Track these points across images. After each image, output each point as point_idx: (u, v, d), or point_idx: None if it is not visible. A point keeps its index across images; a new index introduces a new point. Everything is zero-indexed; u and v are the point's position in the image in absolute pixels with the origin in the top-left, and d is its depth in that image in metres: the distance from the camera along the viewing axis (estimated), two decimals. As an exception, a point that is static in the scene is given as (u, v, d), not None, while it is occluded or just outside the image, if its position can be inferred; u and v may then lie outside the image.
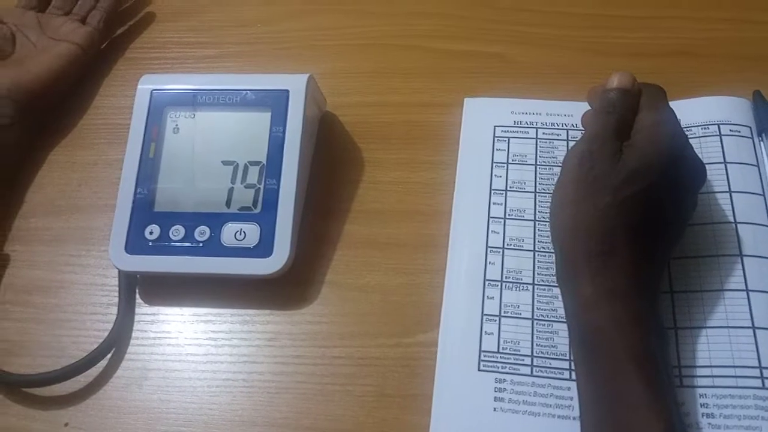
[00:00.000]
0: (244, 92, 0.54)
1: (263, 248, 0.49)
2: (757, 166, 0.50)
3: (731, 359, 0.43)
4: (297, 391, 0.47)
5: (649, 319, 0.41)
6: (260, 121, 0.52)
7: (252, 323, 0.50)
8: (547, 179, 0.53)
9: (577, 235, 0.42)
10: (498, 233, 0.50)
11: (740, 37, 0.59)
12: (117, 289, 0.51)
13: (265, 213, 0.50)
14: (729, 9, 0.61)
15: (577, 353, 0.42)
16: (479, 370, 0.45)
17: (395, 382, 0.47)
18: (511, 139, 0.55)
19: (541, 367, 0.45)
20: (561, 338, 0.46)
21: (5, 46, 0.63)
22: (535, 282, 0.48)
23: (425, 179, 0.55)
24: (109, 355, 0.49)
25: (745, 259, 0.46)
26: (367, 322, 0.49)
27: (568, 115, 0.55)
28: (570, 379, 0.44)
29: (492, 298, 0.48)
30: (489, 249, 0.50)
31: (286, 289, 0.51)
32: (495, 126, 0.56)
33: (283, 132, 0.52)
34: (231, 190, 0.51)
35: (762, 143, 0.51)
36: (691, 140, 0.46)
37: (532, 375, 0.45)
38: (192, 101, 0.54)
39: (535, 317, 0.47)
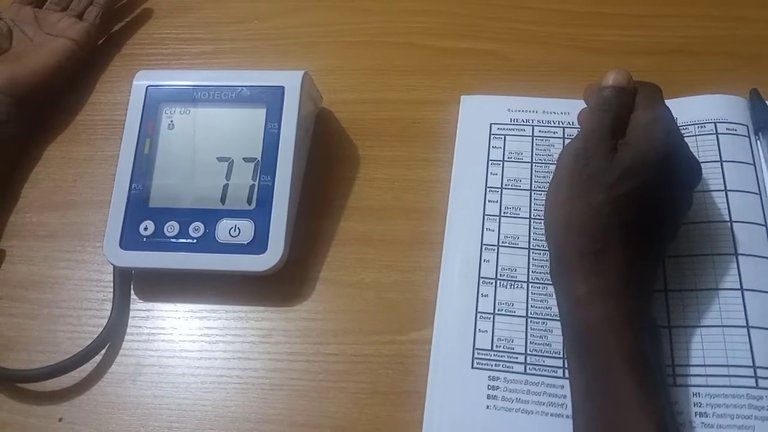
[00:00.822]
0: (240, 88, 0.53)
1: (258, 245, 0.49)
2: (753, 164, 0.50)
3: (725, 358, 0.43)
4: (291, 388, 0.47)
5: (643, 318, 0.41)
6: (255, 117, 0.52)
7: (246, 320, 0.50)
8: (543, 177, 0.52)
9: (570, 233, 0.42)
10: (493, 231, 0.50)
11: (737, 35, 0.59)
12: (112, 284, 0.51)
13: (259, 209, 0.50)
14: (726, 7, 0.61)
15: (569, 351, 0.42)
16: (473, 367, 0.45)
17: (389, 379, 0.47)
18: (507, 137, 0.55)
19: (534, 365, 0.45)
20: (555, 336, 0.46)
21: (2, 41, 0.63)
22: (530, 280, 0.48)
23: (421, 176, 0.55)
24: (103, 351, 0.50)
25: (740, 258, 0.46)
26: (361, 319, 0.49)
27: (564, 112, 0.55)
28: (563, 377, 0.44)
29: (486, 295, 0.48)
30: (484, 246, 0.50)
31: (280, 286, 0.51)
32: (491, 123, 0.55)
33: (279, 128, 0.52)
34: (226, 187, 0.51)
35: (758, 142, 0.51)
36: (687, 138, 0.46)
37: (525, 373, 0.45)
38: (187, 97, 0.54)
39: (529, 315, 0.47)
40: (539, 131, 0.55)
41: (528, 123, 0.55)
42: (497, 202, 0.52)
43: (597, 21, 0.62)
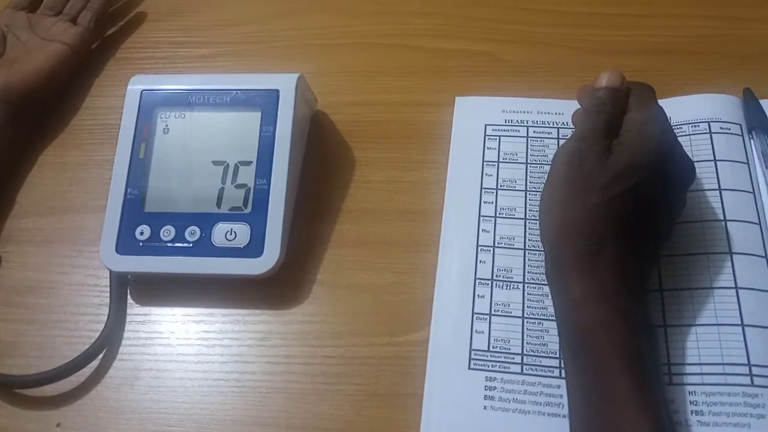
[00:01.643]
0: (234, 92, 0.54)
1: (254, 248, 0.49)
2: (747, 163, 0.50)
3: (720, 357, 0.43)
4: (288, 391, 0.47)
5: (638, 318, 0.41)
6: (250, 120, 0.52)
7: (243, 323, 0.50)
8: (538, 178, 0.53)
9: (565, 234, 0.42)
10: (489, 232, 0.51)
11: (730, 35, 0.59)
12: (108, 289, 0.51)
13: (255, 213, 0.50)
14: (718, 6, 0.61)
15: (566, 352, 0.42)
16: (470, 368, 0.45)
17: (386, 381, 0.47)
18: (501, 138, 0.55)
19: (531, 365, 0.45)
20: (551, 336, 0.46)
21: (-4, 46, 0.63)
22: (526, 280, 0.48)
23: (416, 178, 0.55)
24: (100, 356, 0.50)
25: (734, 256, 0.46)
26: (358, 321, 0.49)
27: (558, 113, 0.56)
28: (560, 377, 0.44)
29: (482, 296, 0.48)
30: (480, 248, 0.50)
31: (277, 289, 0.51)
32: (486, 125, 0.56)
33: (274, 132, 0.52)
34: (221, 190, 0.51)
35: (752, 141, 0.51)
36: (680, 138, 0.46)
37: (522, 373, 0.45)
38: (182, 101, 0.54)
39: (525, 315, 0.47)
40: (534, 132, 0.55)
41: (522, 124, 0.55)
42: (492, 203, 0.52)
43: (590, 21, 0.62)
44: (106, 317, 0.50)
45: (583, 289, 0.40)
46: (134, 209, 0.51)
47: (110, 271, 0.51)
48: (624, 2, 0.63)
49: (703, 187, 0.49)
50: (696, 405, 0.42)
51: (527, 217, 0.51)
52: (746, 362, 0.43)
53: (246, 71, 0.61)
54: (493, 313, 0.47)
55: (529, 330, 0.47)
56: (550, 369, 0.45)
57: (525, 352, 0.46)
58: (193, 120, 0.53)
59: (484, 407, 0.44)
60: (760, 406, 0.41)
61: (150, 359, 0.50)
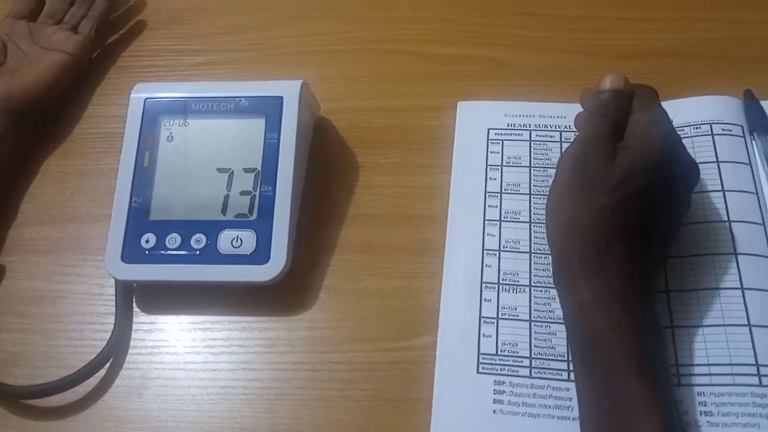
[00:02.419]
0: (238, 99, 0.54)
1: (260, 255, 0.49)
2: (750, 164, 0.51)
3: (728, 357, 0.43)
4: (296, 398, 0.47)
5: (646, 320, 0.41)
6: (254, 127, 0.53)
7: (250, 330, 0.50)
8: (542, 181, 0.53)
9: (572, 237, 0.42)
10: (494, 236, 0.51)
11: (731, 37, 0.60)
12: (114, 298, 0.51)
13: (261, 219, 0.50)
14: (719, 9, 0.61)
15: (575, 355, 0.42)
16: (478, 372, 0.46)
17: (395, 386, 0.47)
18: (504, 142, 0.55)
19: (539, 368, 0.45)
20: (559, 339, 0.46)
21: (-3, 56, 0.63)
22: (532, 284, 0.48)
23: (420, 183, 0.55)
24: (107, 365, 0.49)
25: (739, 257, 0.46)
26: (365, 326, 0.49)
27: (561, 116, 0.56)
28: (569, 380, 0.44)
29: (489, 300, 0.48)
30: (485, 252, 0.50)
31: (283, 295, 0.51)
32: (489, 129, 0.56)
33: (278, 138, 0.52)
34: (226, 197, 0.51)
35: (753, 142, 0.52)
36: (683, 140, 0.46)
37: (530, 377, 0.45)
38: (186, 109, 0.54)
39: (532, 319, 0.47)
40: (536, 135, 0.55)
41: (525, 128, 0.56)
42: (497, 206, 0.52)
43: (592, 25, 0.62)
44: (112, 326, 0.50)
45: (591, 292, 0.40)
46: (139, 217, 0.51)
47: (116, 280, 0.51)
48: (625, 6, 0.63)
49: (706, 188, 0.50)
50: (705, 405, 0.42)
51: (532, 220, 0.51)
52: (754, 362, 0.43)
53: (247, 78, 0.61)
54: (500, 316, 0.47)
55: (537, 333, 0.47)
56: (558, 372, 0.45)
57: (533, 356, 0.46)
58: (197, 128, 0.53)
59: (493, 411, 0.44)
60: (769, 405, 0.41)
61: (157, 368, 0.49)
